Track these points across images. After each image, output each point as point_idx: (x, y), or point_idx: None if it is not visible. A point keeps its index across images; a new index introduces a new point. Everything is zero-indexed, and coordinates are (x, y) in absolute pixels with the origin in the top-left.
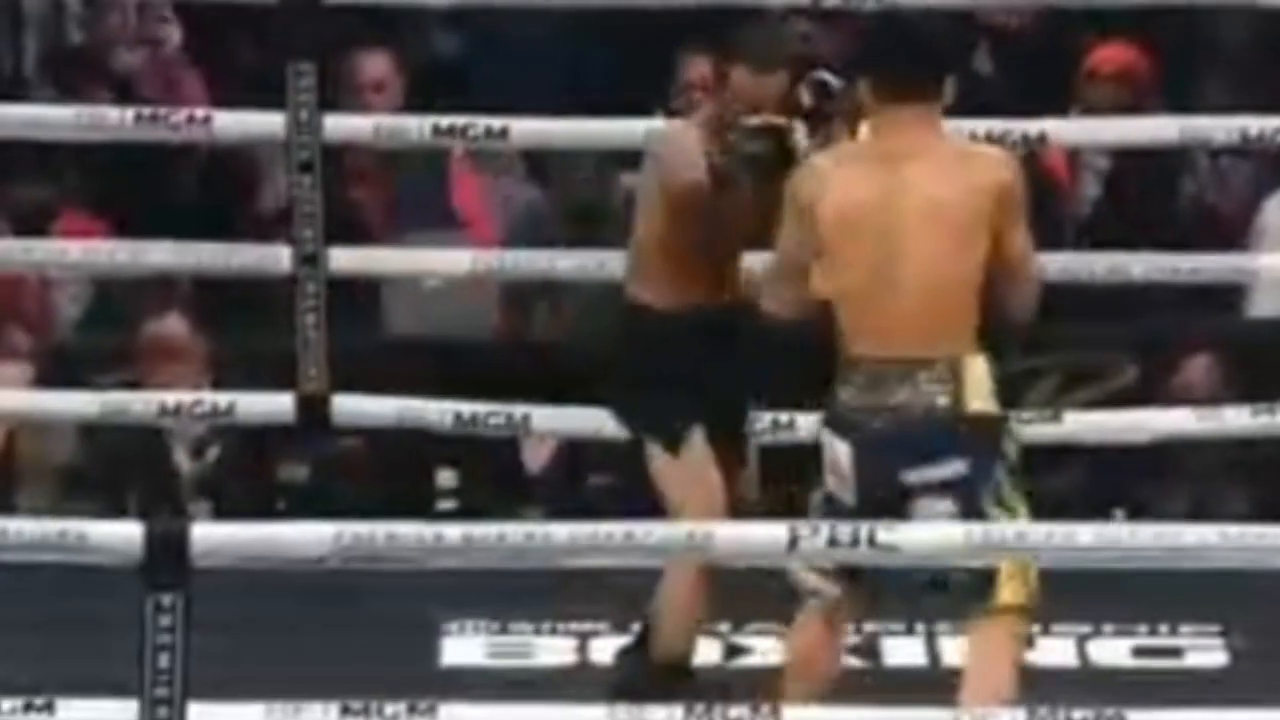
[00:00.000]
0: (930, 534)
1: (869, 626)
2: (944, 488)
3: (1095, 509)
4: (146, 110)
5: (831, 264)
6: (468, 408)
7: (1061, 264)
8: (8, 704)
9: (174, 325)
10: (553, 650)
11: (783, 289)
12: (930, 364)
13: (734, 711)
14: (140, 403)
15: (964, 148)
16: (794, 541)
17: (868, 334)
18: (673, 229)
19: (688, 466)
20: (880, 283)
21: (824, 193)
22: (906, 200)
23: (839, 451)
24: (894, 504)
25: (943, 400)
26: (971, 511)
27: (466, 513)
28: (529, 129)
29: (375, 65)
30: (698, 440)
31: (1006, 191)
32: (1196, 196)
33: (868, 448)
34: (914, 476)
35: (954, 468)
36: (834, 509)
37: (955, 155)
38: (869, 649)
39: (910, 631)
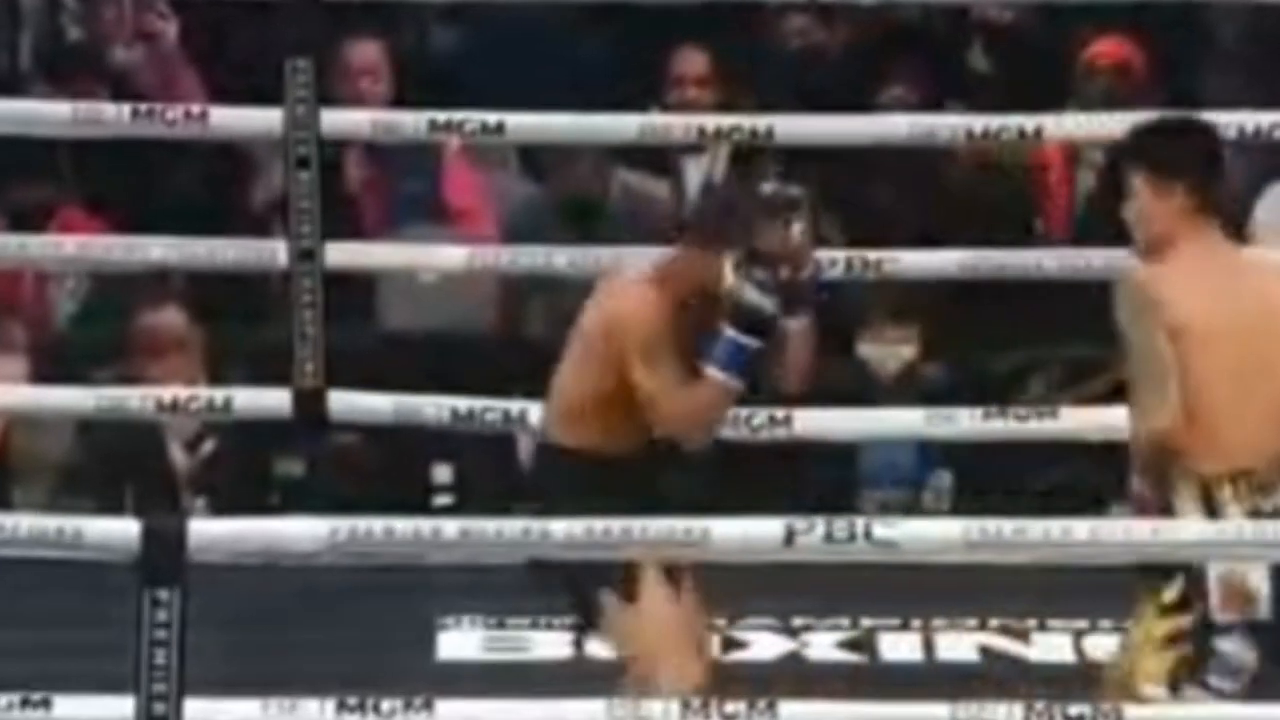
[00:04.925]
0: (928, 529)
1: (866, 622)
2: None
3: (1092, 504)
4: (143, 106)
5: (1197, 373)
6: (464, 403)
7: (1058, 258)
8: (4, 700)
9: (171, 318)
10: (549, 644)
11: (1164, 402)
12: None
13: (731, 707)
14: (137, 398)
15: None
16: (790, 537)
17: (1241, 445)
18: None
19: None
20: (1250, 388)
21: (1177, 303)
22: (1256, 307)
23: (1252, 572)
24: None
25: None
26: None
27: (463, 508)
28: (525, 124)
29: (365, 52)
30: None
31: None
32: None
33: None
34: None
35: None
36: (1239, 635)
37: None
38: (866, 644)
39: (906, 627)
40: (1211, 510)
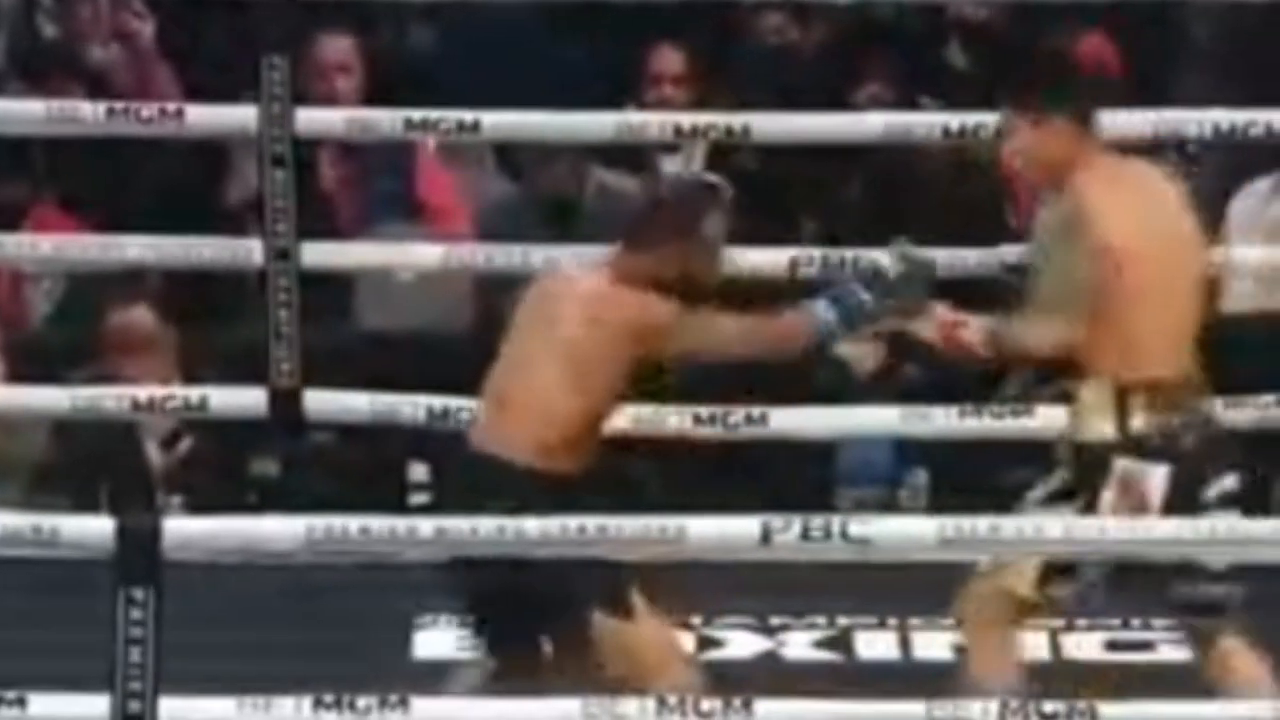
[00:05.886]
0: (904, 527)
1: (842, 620)
2: (1231, 500)
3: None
4: (119, 104)
5: (1121, 289)
6: (440, 402)
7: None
8: None
9: (140, 316)
10: None
11: (1076, 319)
12: (1193, 378)
13: (706, 705)
14: (112, 397)
15: None
16: (767, 536)
17: (1158, 355)
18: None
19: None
20: (1168, 301)
21: (1105, 218)
22: (1170, 215)
23: (1151, 477)
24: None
25: (1210, 413)
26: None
27: (439, 506)
28: (501, 122)
29: (336, 47)
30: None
31: None
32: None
33: (1184, 469)
34: (1213, 492)
35: (1232, 479)
36: None
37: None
38: (842, 643)
39: (883, 625)
40: (1123, 418)
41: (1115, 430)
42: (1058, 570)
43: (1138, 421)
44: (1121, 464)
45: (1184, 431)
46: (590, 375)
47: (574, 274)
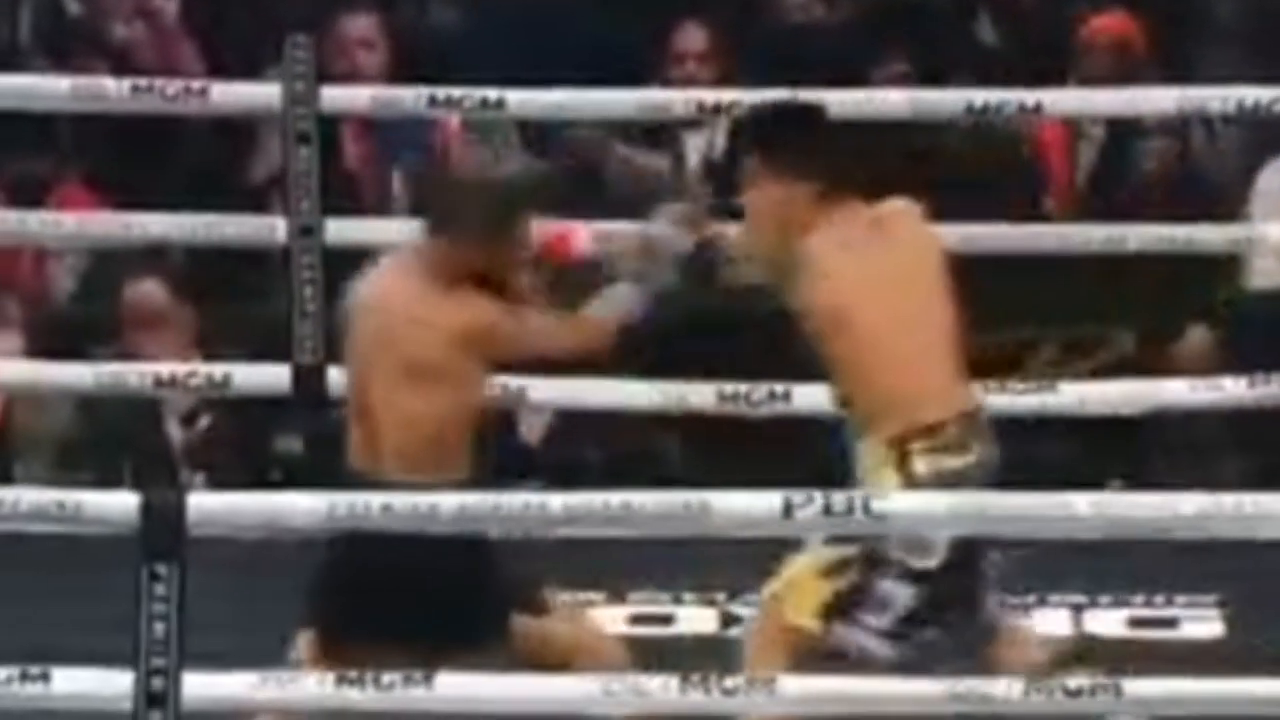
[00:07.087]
0: (923, 503)
1: None
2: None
3: (1091, 480)
4: (143, 81)
5: (852, 348)
6: None
7: (1058, 235)
8: (3, 673)
9: (151, 290)
10: None
11: None
12: (978, 413)
13: (730, 682)
14: (135, 374)
15: None
16: (789, 510)
17: (918, 402)
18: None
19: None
20: (916, 348)
21: (829, 283)
22: (909, 260)
23: None
24: (968, 563)
25: (992, 448)
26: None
27: (460, 483)
28: (525, 100)
29: (359, 24)
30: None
31: None
32: (1191, 166)
33: None
34: None
35: None
36: (897, 576)
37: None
38: None
39: None
40: (906, 471)
41: (898, 483)
42: (847, 603)
43: (918, 468)
44: None
45: (973, 470)
46: (429, 380)
47: (387, 275)
